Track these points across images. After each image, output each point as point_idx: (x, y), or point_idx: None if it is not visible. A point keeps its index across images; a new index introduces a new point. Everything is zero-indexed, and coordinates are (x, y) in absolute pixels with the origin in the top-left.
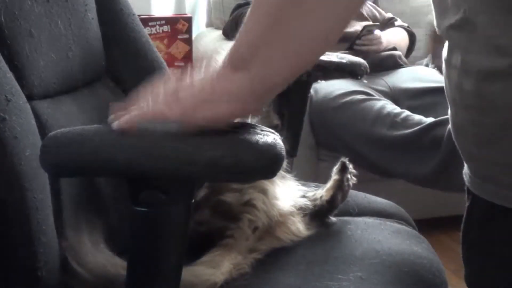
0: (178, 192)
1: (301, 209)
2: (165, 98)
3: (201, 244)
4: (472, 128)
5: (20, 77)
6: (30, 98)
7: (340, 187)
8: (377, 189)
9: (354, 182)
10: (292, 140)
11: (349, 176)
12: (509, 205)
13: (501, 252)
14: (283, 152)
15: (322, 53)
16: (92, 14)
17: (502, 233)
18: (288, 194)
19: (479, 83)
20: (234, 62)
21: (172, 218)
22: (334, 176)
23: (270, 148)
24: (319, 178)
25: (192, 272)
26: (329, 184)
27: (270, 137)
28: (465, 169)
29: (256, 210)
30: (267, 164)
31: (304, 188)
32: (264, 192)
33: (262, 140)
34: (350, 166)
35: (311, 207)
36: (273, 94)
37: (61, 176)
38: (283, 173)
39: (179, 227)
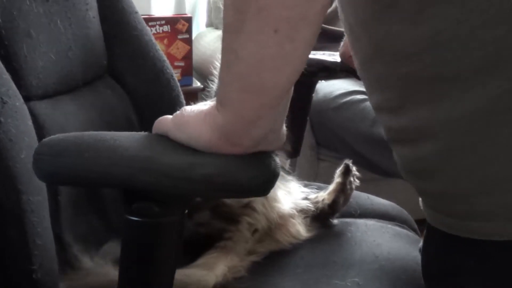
0: (173, 205)
1: (302, 211)
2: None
3: (201, 246)
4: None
5: (18, 78)
6: (28, 99)
7: (343, 191)
8: (377, 189)
9: (357, 184)
10: (295, 140)
11: (352, 179)
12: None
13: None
14: (278, 170)
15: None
16: (93, 12)
17: (463, 264)
18: (289, 196)
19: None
20: (218, 98)
21: (165, 229)
22: (337, 179)
23: (264, 167)
24: (319, 178)
25: (184, 272)
26: (332, 187)
27: (266, 155)
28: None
29: (255, 212)
30: (260, 183)
31: (306, 190)
32: None
33: (258, 159)
34: (354, 169)
35: (313, 209)
36: (254, 128)
37: (55, 184)
38: (284, 174)
39: (172, 238)
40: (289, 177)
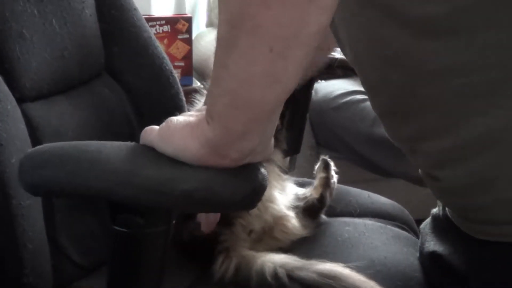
0: (155, 218)
1: (293, 207)
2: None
3: (196, 247)
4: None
5: (11, 80)
6: (21, 100)
7: (327, 184)
8: (378, 189)
9: (337, 177)
10: (295, 138)
11: (333, 173)
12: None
13: None
14: (265, 183)
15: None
16: (90, 10)
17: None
18: (284, 195)
19: None
20: (207, 111)
21: (149, 240)
22: (320, 174)
23: (248, 181)
24: None
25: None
26: (316, 182)
27: (252, 168)
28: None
29: (248, 215)
30: (244, 198)
31: (300, 188)
32: None
33: (243, 172)
34: (332, 164)
35: (302, 205)
36: (243, 142)
37: (39, 196)
38: (280, 173)
39: (156, 249)
40: (285, 176)
